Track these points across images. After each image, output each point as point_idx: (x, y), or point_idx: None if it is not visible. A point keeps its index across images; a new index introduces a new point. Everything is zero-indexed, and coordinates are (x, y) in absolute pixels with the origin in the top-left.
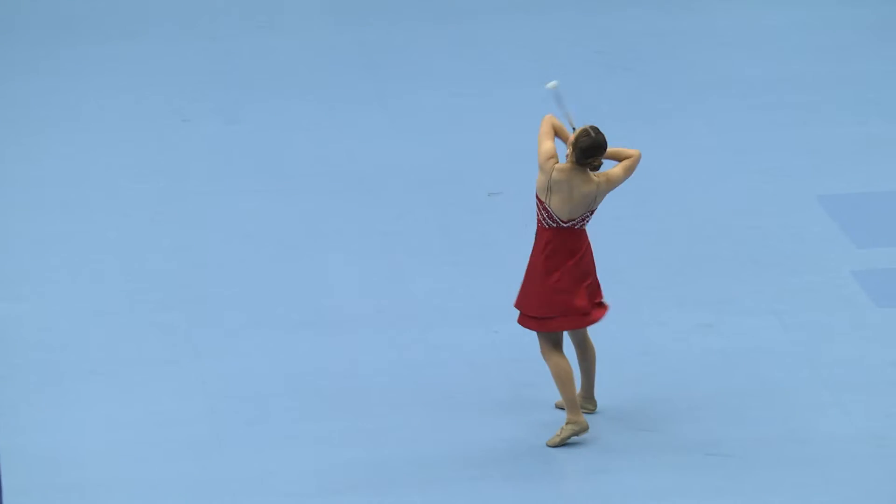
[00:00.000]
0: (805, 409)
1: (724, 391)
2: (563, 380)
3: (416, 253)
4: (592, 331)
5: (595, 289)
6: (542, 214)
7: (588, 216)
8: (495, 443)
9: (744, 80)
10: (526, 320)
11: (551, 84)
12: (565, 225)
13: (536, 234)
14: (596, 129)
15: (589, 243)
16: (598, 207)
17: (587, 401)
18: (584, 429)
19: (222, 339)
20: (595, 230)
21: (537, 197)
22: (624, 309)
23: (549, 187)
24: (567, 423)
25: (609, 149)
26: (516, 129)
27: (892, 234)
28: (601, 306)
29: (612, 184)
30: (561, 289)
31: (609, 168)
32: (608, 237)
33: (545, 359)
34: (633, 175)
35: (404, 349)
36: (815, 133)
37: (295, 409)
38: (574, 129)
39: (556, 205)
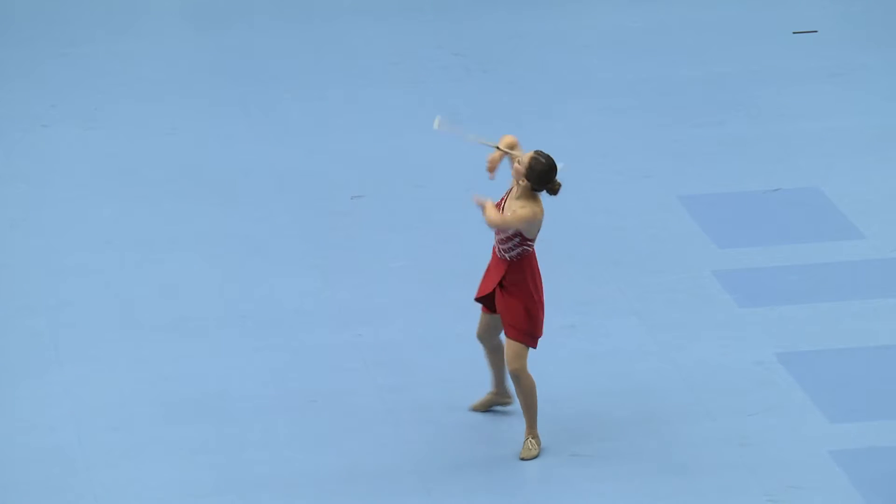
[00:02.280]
0: (668, 410)
1: (588, 392)
2: (534, 394)
3: (279, 257)
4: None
5: None
6: (528, 248)
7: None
8: (362, 446)
9: (603, 82)
10: (535, 341)
11: (436, 122)
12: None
13: (518, 264)
14: (544, 155)
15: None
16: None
17: (505, 395)
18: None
19: (85, 345)
20: (459, 231)
21: (528, 241)
22: None
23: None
24: (533, 438)
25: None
26: (378, 132)
27: (752, 235)
28: None
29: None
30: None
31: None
32: (472, 239)
33: (522, 374)
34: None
35: (268, 354)
36: (675, 134)
37: (159, 414)
38: (492, 146)
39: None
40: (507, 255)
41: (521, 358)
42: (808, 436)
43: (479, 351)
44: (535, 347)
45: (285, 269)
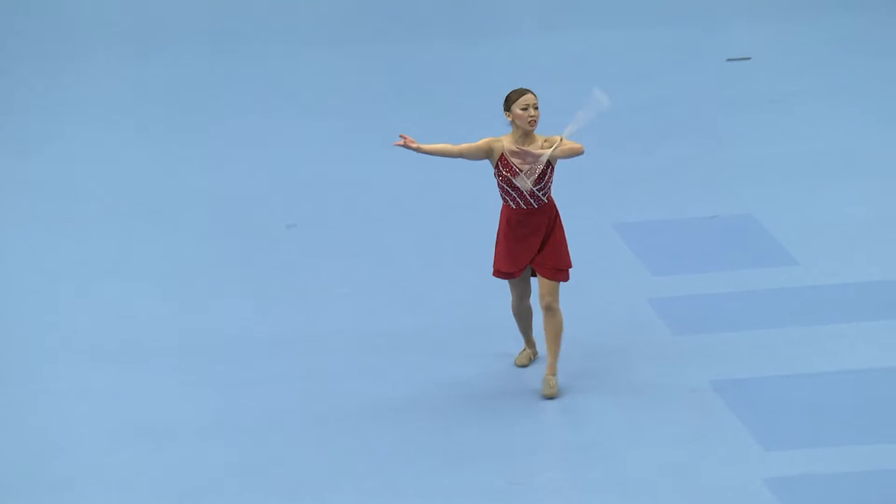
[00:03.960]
0: (603, 436)
1: (524, 417)
2: (561, 331)
3: (217, 284)
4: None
5: None
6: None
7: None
8: (298, 475)
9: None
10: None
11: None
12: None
13: (551, 201)
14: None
15: None
16: None
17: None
18: None
19: (24, 373)
20: (395, 258)
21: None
22: (425, 338)
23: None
24: (553, 376)
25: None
26: (314, 160)
27: (687, 262)
28: None
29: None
30: None
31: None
32: (410, 266)
33: (558, 307)
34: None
35: (206, 381)
36: (611, 161)
37: (99, 439)
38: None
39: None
40: (543, 198)
41: (557, 292)
42: (742, 463)
43: (415, 377)
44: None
45: (223, 296)
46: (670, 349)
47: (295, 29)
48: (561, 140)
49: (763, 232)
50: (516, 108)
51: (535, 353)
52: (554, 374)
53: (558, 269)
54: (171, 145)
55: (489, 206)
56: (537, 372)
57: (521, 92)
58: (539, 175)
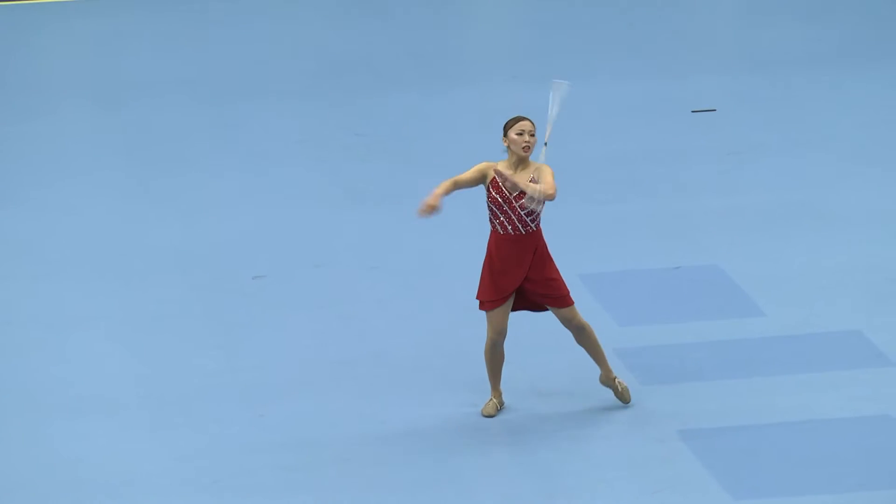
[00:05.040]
0: (570, 487)
1: (491, 468)
2: (596, 338)
3: (182, 336)
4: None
5: None
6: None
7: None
8: None
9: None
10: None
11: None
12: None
13: (538, 233)
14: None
15: None
16: None
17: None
18: None
19: None
20: (361, 310)
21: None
22: (388, 390)
23: None
24: (617, 378)
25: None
26: (280, 211)
27: (653, 313)
28: None
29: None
30: None
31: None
32: (375, 319)
33: (585, 324)
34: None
35: (171, 433)
36: (576, 212)
37: (60, 497)
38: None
39: None
40: (532, 225)
41: (575, 312)
42: None
43: (382, 430)
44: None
45: (188, 348)
46: (637, 399)
47: (261, 82)
48: (540, 176)
49: (729, 282)
50: (512, 133)
51: (501, 403)
52: (615, 377)
53: (562, 296)
54: (137, 199)
55: (457, 263)
56: (504, 421)
57: (518, 119)
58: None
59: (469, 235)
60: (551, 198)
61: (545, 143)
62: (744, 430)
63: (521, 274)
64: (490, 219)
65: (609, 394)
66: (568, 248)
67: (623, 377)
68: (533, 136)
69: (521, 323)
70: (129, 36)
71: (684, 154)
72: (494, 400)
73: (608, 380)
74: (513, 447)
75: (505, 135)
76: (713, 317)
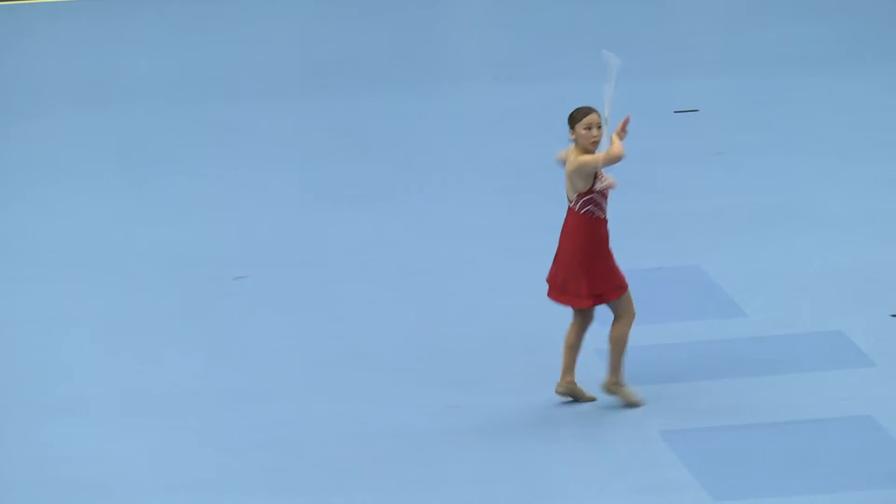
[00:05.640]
0: (551, 489)
1: (472, 471)
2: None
3: (167, 337)
4: None
5: None
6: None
7: (573, 197)
8: None
9: (486, 162)
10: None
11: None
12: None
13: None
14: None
15: (573, 226)
16: None
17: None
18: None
19: None
20: (345, 311)
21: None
22: (373, 390)
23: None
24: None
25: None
26: (266, 212)
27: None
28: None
29: (571, 165)
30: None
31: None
32: (357, 319)
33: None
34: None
35: (155, 434)
36: (554, 212)
37: (40, 497)
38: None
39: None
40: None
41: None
42: None
43: (365, 431)
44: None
45: (172, 348)
46: (618, 400)
47: (247, 83)
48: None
49: (710, 283)
50: (580, 128)
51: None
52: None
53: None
54: (121, 200)
55: (443, 265)
56: (486, 421)
57: (586, 111)
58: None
59: (453, 238)
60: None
61: (605, 120)
62: (726, 430)
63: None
64: (592, 209)
65: (594, 393)
66: (546, 248)
67: (603, 378)
68: (600, 128)
69: (506, 322)
70: (115, 38)
71: (666, 154)
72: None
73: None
74: (494, 447)
75: (572, 128)
76: (694, 317)
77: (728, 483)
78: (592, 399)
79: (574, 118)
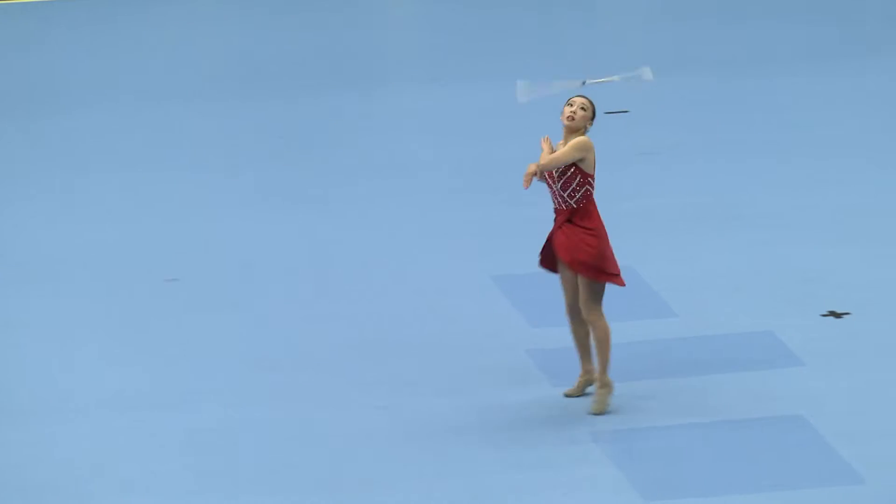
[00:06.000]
0: (485, 489)
1: (405, 473)
2: (608, 342)
3: (96, 339)
4: None
5: None
6: (589, 187)
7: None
8: None
9: (422, 163)
10: (613, 278)
11: (520, 94)
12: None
13: (585, 208)
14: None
15: None
16: None
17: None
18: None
19: None
20: (274, 314)
21: (588, 176)
22: (309, 391)
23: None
24: (604, 387)
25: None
26: (196, 215)
27: (563, 313)
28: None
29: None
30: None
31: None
32: (289, 321)
33: (597, 320)
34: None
35: (86, 438)
36: (490, 214)
37: None
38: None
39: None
40: (571, 203)
41: (597, 305)
42: None
43: (300, 432)
44: (621, 284)
45: (103, 351)
46: (550, 401)
47: (182, 85)
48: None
49: (642, 284)
50: (563, 106)
51: (589, 380)
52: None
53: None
54: (55, 203)
55: (378, 266)
56: (420, 423)
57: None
58: (562, 174)
59: (388, 239)
60: (547, 167)
61: (583, 83)
62: (657, 430)
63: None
64: (589, 191)
65: (524, 394)
66: (481, 249)
67: (535, 378)
68: (584, 110)
69: (442, 323)
70: (43, 42)
71: (598, 156)
72: (580, 379)
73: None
74: (428, 449)
75: (562, 110)
76: (626, 318)
77: (659, 483)
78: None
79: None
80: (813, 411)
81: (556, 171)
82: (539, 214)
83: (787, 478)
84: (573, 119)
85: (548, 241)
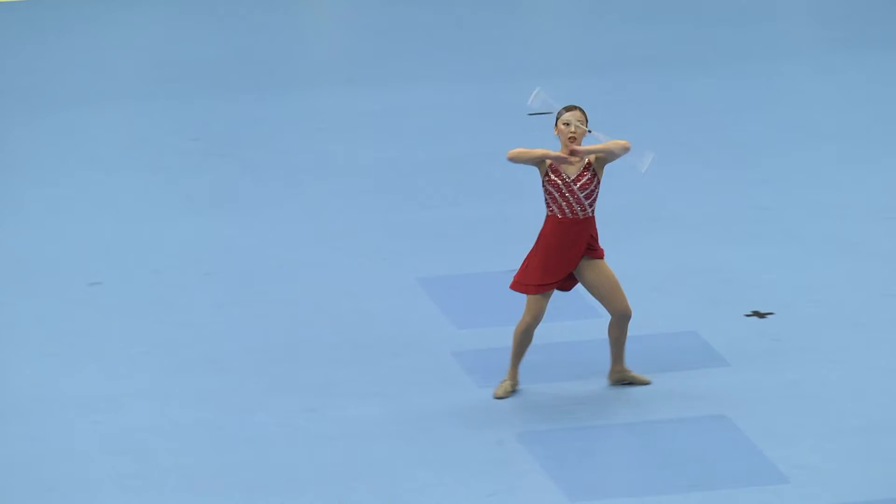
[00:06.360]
0: (405, 491)
1: (328, 476)
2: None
3: (17, 344)
4: None
5: None
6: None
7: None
8: None
9: (341, 165)
10: None
11: (533, 98)
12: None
13: (593, 216)
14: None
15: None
16: None
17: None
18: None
19: None
20: (198, 317)
21: (600, 180)
22: (231, 395)
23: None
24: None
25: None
26: (116, 218)
27: (490, 315)
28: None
29: None
30: None
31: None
32: (211, 325)
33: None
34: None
35: (6, 442)
36: (413, 216)
37: None
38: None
39: None
40: (589, 210)
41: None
42: None
43: (220, 436)
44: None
45: (23, 356)
46: (476, 402)
47: (95, 87)
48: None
49: None
50: (560, 124)
51: (515, 385)
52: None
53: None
54: None
55: (297, 269)
56: (339, 424)
57: (568, 108)
58: (586, 184)
59: (306, 241)
60: (625, 147)
61: (590, 131)
62: (581, 431)
63: (577, 255)
64: (548, 202)
65: (451, 396)
66: (406, 251)
67: (460, 380)
68: (581, 123)
69: (360, 326)
70: None
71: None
72: (508, 381)
73: (621, 375)
74: (349, 450)
75: (556, 125)
76: (549, 319)
77: (584, 484)
78: (646, 382)
79: (558, 116)
80: (738, 411)
81: (574, 180)
82: (463, 216)
83: (712, 478)
84: (574, 139)
85: (559, 258)
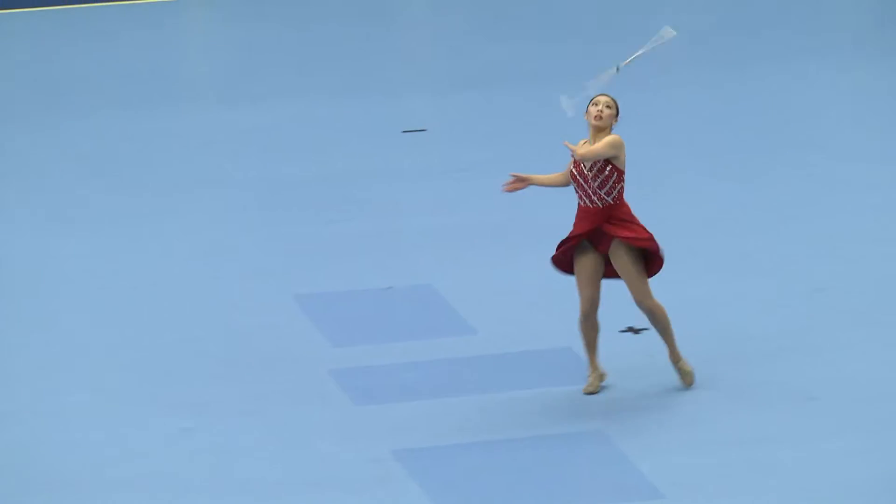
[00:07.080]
0: None
1: (200, 494)
2: (668, 319)
3: None
4: None
5: None
6: (623, 184)
7: None
8: None
9: (218, 180)
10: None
11: (567, 108)
12: None
13: (621, 204)
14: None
15: None
16: None
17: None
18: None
19: None
20: (79, 337)
21: (622, 173)
22: (101, 415)
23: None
24: (682, 363)
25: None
26: (47, 231)
27: (367, 333)
28: None
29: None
30: None
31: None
32: (92, 344)
33: (653, 302)
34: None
35: None
36: (290, 232)
37: None
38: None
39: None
40: (608, 199)
41: (647, 287)
42: None
43: (102, 455)
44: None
45: None
46: (351, 420)
47: None
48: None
49: (441, 301)
50: (589, 106)
51: (602, 375)
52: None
53: (645, 239)
54: None
55: (174, 285)
56: (208, 440)
57: (600, 93)
58: (599, 172)
59: (184, 253)
60: (586, 158)
61: (617, 69)
62: (458, 448)
63: (591, 225)
64: (575, 191)
65: (326, 414)
66: (282, 268)
67: (336, 398)
68: (609, 108)
69: (237, 342)
70: None
71: (397, 173)
72: (591, 376)
73: (675, 361)
74: (221, 470)
75: (587, 109)
76: (426, 336)
77: (461, 500)
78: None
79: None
80: (613, 427)
81: (589, 170)
82: (339, 232)
83: (587, 493)
84: (601, 118)
85: (569, 239)
